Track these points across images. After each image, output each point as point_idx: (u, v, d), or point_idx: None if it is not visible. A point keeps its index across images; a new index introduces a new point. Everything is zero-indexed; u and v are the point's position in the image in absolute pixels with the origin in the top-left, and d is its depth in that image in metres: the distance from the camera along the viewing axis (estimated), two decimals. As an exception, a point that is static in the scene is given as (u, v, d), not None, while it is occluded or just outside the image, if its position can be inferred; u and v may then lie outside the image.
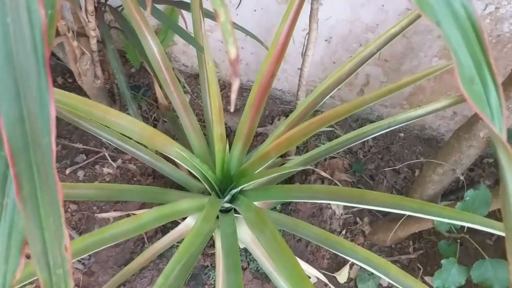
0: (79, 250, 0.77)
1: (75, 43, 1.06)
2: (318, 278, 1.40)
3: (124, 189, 1.01)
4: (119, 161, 1.61)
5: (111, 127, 0.82)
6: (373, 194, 0.85)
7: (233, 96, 0.34)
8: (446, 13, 0.31)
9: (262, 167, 1.00)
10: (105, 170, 1.59)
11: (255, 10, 1.41)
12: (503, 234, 0.72)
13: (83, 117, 0.88)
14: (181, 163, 0.94)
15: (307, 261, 1.47)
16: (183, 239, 1.31)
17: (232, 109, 0.39)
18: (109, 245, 0.82)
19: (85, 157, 1.61)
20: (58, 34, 1.08)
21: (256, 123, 1.04)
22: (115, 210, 1.47)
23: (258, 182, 1.14)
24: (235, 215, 1.12)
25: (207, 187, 1.07)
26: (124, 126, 0.83)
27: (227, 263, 0.87)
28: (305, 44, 1.23)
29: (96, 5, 1.18)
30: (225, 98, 1.77)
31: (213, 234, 1.20)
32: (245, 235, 1.18)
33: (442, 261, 1.05)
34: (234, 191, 1.04)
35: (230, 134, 1.68)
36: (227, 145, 1.00)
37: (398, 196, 0.82)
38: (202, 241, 0.88)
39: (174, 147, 0.90)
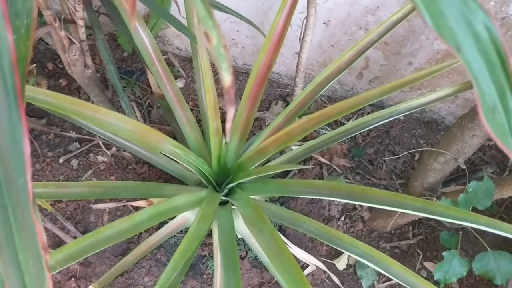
0: (72, 255, 0.75)
1: (62, 33, 1.01)
2: (317, 266, 1.39)
3: (118, 186, 0.98)
4: (113, 148, 1.57)
5: (101, 126, 0.78)
6: (374, 192, 0.82)
7: (228, 125, 0.31)
8: (467, 36, 0.28)
9: (260, 161, 0.97)
10: (99, 158, 1.56)
11: (250, -8, 1.35)
12: (511, 236, 0.70)
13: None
14: (176, 159, 0.91)
15: (305, 248, 1.46)
16: (180, 231, 1.30)
17: (227, 138, 0.36)
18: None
19: (78, 146, 1.57)
20: (44, 23, 1.03)
21: (253, 116, 1.01)
22: (110, 200, 1.44)
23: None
24: (233, 207, 1.10)
25: (203, 180, 1.04)
26: (114, 124, 0.79)
27: (225, 263, 0.85)
28: (303, 30, 1.19)
29: (84, -10, 1.13)
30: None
31: (211, 226, 1.18)
32: (244, 228, 1.16)
33: (444, 253, 1.04)
34: (231, 185, 1.02)
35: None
36: (224, 139, 0.97)
37: (400, 194, 0.80)
38: (200, 242, 0.86)
39: (167, 144, 0.87)
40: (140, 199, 1.24)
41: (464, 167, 1.10)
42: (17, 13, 0.44)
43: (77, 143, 1.57)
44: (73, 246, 0.76)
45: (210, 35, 0.29)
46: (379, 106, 1.73)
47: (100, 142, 1.57)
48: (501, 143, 0.29)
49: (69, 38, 1.06)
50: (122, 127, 0.81)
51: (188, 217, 1.17)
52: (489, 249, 1.02)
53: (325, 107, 1.73)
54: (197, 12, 0.29)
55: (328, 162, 1.60)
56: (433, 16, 0.27)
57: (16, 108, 0.29)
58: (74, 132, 1.58)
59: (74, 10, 0.96)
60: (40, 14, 1.04)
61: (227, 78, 0.29)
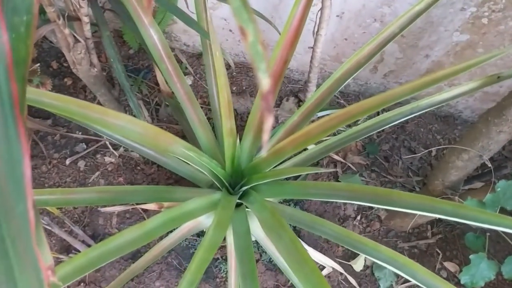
0: (82, 267, 0.70)
1: (66, 31, 0.97)
2: (333, 268, 1.35)
3: (127, 190, 0.94)
4: (121, 149, 1.53)
5: (110, 129, 0.74)
6: (400, 195, 0.77)
7: (266, 137, 0.26)
8: None
9: (276, 163, 0.92)
10: (107, 159, 1.52)
11: (260, -15, 1.30)
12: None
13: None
14: (188, 162, 0.86)
15: (321, 250, 1.41)
16: (193, 234, 1.25)
17: (264, 152, 0.31)
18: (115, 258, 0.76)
19: (85, 146, 1.53)
20: (47, 21, 0.98)
21: (267, 114, 0.96)
22: (120, 204, 1.40)
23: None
24: (247, 209, 1.05)
25: (216, 183, 0.99)
26: (123, 127, 0.75)
27: (242, 270, 0.80)
28: (317, 23, 1.13)
29: (88, -15, 1.08)
30: (230, 79, 1.68)
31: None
32: (258, 230, 1.12)
33: (471, 256, 0.98)
34: (245, 187, 0.97)
35: (236, 117, 1.60)
36: (237, 139, 0.92)
37: (428, 197, 0.74)
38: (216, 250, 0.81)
39: (179, 146, 0.82)
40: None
41: (489, 164, 1.05)
42: (15, 9, 0.39)
43: (83, 144, 1.53)
44: (82, 257, 0.71)
45: (246, 29, 0.24)
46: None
47: (107, 142, 1.53)
48: None
49: (74, 36, 1.01)
50: (131, 129, 0.76)
51: (200, 220, 1.13)
52: (518, 251, 0.97)
53: (337, 102, 1.67)
54: (230, 3, 0.24)
55: (342, 160, 1.55)
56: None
57: (13, 121, 0.24)
58: (80, 133, 1.54)
59: (78, 7, 0.91)
60: (42, 12, 0.99)
61: (265, 81, 0.24)
